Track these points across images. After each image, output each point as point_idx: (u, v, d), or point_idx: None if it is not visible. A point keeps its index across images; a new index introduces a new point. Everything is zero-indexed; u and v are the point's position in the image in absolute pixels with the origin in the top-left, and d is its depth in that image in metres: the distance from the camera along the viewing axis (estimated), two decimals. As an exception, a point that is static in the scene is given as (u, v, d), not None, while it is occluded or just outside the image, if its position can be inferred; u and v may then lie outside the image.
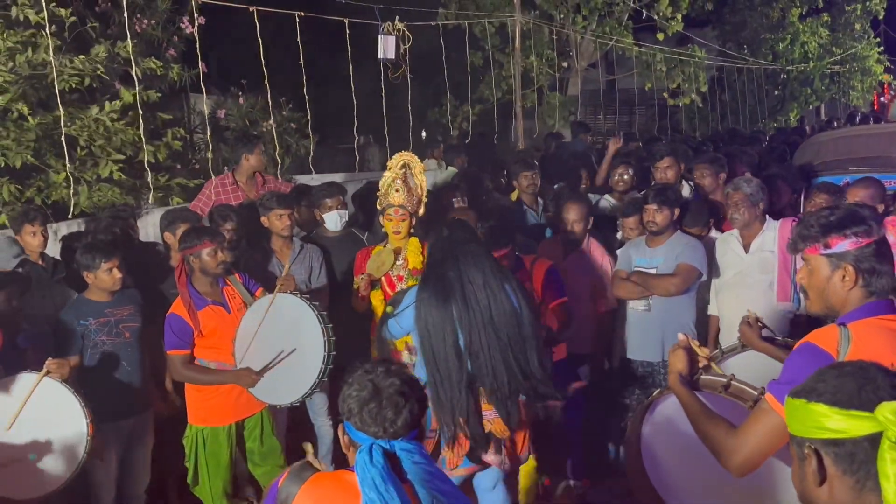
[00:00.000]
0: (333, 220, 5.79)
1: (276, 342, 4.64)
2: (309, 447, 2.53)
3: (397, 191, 5.08)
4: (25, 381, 4.00)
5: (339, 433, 2.36)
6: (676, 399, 2.94)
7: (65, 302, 4.89)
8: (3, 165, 6.56)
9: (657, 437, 3.27)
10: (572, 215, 5.58)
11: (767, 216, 5.32)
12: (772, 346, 3.37)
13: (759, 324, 3.46)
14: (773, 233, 5.21)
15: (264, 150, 6.98)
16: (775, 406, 2.43)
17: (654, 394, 3.34)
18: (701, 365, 3.06)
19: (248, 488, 5.45)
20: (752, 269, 5.20)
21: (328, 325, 4.56)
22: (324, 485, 2.34)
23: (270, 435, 5.00)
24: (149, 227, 6.71)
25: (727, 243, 5.40)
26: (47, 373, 3.98)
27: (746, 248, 5.27)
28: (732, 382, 2.98)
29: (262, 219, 5.55)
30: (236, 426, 4.91)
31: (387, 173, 5.16)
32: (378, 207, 5.23)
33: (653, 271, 5.26)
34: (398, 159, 5.17)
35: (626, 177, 6.83)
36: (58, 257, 5.39)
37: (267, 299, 4.74)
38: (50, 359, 4.06)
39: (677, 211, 5.35)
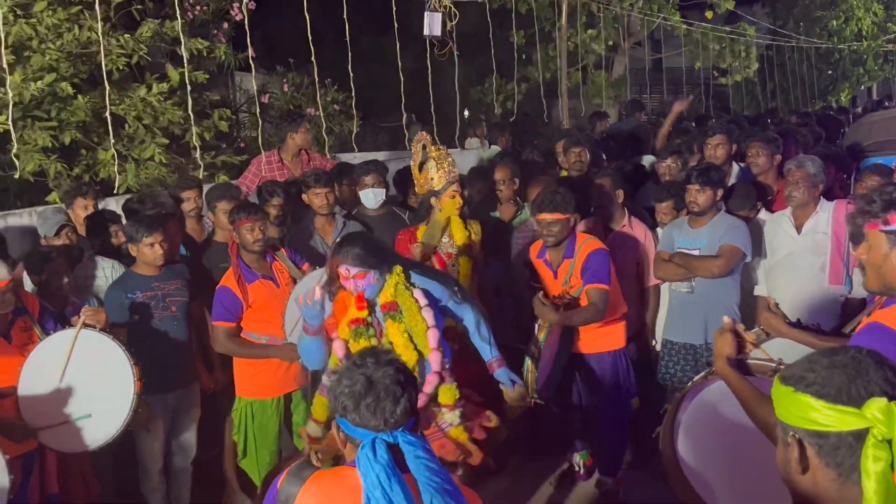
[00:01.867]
0: (368, 198, 5.77)
1: None
2: (304, 434, 2.48)
3: (453, 167, 5.02)
4: (63, 335, 3.97)
5: (334, 430, 2.27)
6: (718, 386, 2.85)
7: (94, 271, 5.01)
8: (52, 146, 6.65)
9: (696, 426, 3.16)
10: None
11: (822, 197, 5.18)
12: (799, 331, 3.19)
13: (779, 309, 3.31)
14: (827, 214, 5.06)
15: (310, 128, 7.00)
16: None
17: (696, 378, 3.25)
18: (747, 349, 2.96)
19: (292, 463, 5.51)
20: (805, 251, 5.07)
21: None
22: (325, 482, 2.26)
23: (315, 408, 5.05)
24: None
25: (779, 224, 5.27)
26: (84, 323, 3.95)
27: (798, 228, 5.13)
28: (781, 367, 2.83)
29: (303, 196, 5.58)
30: (284, 399, 4.96)
31: (417, 156, 5.09)
32: (424, 190, 5.09)
33: (695, 252, 5.17)
34: (420, 139, 5.09)
35: (673, 167, 6.56)
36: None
37: (318, 273, 4.76)
38: (86, 306, 4.08)
39: (720, 191, 5.24)
